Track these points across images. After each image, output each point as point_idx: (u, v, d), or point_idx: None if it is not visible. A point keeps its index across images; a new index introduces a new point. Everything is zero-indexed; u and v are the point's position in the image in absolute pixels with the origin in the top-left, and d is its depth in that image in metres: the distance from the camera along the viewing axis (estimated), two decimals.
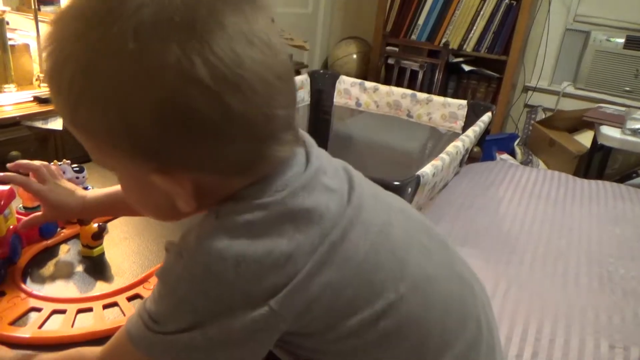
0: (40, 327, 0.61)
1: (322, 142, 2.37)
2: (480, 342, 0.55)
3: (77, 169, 0.83)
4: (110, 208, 0.73)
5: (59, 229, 0.80)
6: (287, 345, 0.51)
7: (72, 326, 0.61)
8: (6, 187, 0.68)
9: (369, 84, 2.22)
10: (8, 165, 0.69)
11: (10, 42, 1.49)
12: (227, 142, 0.41)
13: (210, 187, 0.45)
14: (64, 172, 0.81)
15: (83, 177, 0.84)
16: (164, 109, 0.39)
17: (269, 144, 0.44)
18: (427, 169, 1.33)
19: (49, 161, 0.82)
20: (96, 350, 0.50)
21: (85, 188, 0.84)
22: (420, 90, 2.22)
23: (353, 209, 0.48)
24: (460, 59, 2.95)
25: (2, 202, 0.67)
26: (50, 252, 0.76)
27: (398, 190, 1.22)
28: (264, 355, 0.47)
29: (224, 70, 0.39)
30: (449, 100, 2.07)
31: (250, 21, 0.41)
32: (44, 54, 0.42)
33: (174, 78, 0.38)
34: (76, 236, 0.80)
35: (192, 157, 0.42)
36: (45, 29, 1.56)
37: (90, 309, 0.64)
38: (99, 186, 0.87)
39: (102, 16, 0.39)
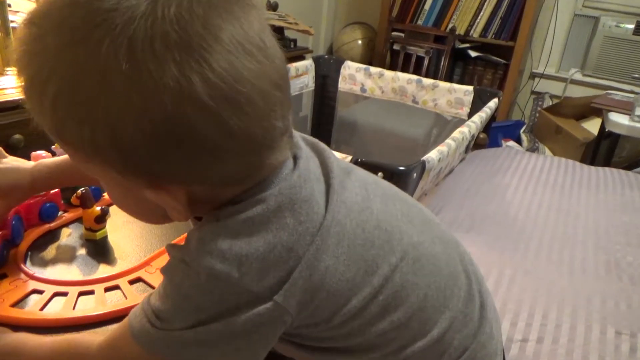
0: (41, 309, 0.60)
1: (327, 128, 2.36)
2: (474, 295, 0.57)
3: None
4: (66, 176, 0.67)
5: (60, 213, 0.79)
6: (295, 338, 0.51)
7: (74, 309, 0.61)
8: None
9: (374, 70, 2.20)
10: None
11: (12, 25, 1.47)
12: (225, 158, 0.40)
13: (205, 196, 0.44)
14: None
15: None
16: (159, 130, 0.36)
17: (267, 154, 0.43)
18: (432, 154, 1.32)
19: (51, 144, 0.81)
20: (94, 339, 0.50)
21: None
22: (426, 77, 2.20)
23: (335, 192, 0.48)
24: (467, 45, 2.91)
25: None
26: (52, 235, 0.76)
27: (403, 176, 1.21)
28: (269, 348, 0.47)
29: (223, 87, 0.37)
30: (455, 86, 2.05)
31: (244, 26, 0.39)
32: (17, 60, 0.39)
33: (172, 99, 0.35)
34: (79, 220, 0.79)
35: (187, 173, 0.40)
36: None
37: (92, 292, 0.64)
38: None
39: (89, 29, 0.35)
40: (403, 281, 0.50)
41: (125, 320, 0.47)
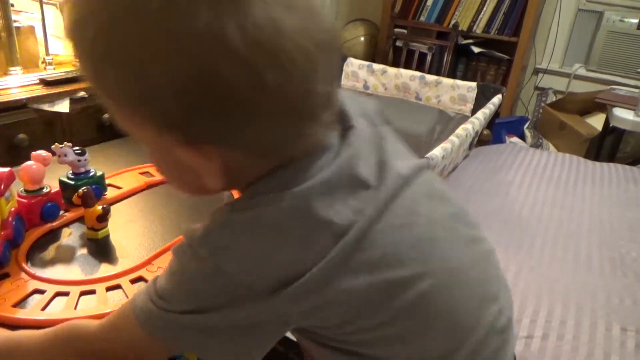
0: (43, 309, 0.60)
1: None
2: (500, 319, 0.52)
3: (79, 151, 0.82)
4: None
5: (61, 212, 0.79)
6: (304, 332, 0.50)
7: (75, 308, 0.61)
8: (6, 170, 0.67)
9: (377, 67, 2.20)
10: None
11: (15, 25, 1.47)
12: (260, 118, 0.38)
13: (238, 166, 0.43)
14: (65, 155, 0.80)
15: (85, 160, 0.82)
16: (189, 79, 0.35)
17: (305, 123, 0.41)
18: (436, 152, 1.31)
19: (52, 144, 0.81)
20: (93, 322, 0.50)
21: (87, 171, 0.83)
22: (429, 73, 2.19)
23: (378, 206, 0.44)
24: (470, 41, 2.90)
25: (2, 185, 0.66)
26: (54, 235, 0.76)
27: None
28: (270, 346, 0.46)
29: (260, 38, 0.35)
30: (459, 82, 2.04)
31: None
32: (66, 9, 0.41)
33: (203, 44, 0.34)
34: (80, 219, 0.79)
35: (219, 131, 0.39)
36: (51, 11, 1.55)
37: (93, 292, 0.64)
38: (101, 169, 0.86)
39: None
40: (429, 310, 0.46)
41: (128, 301, 0.47)
